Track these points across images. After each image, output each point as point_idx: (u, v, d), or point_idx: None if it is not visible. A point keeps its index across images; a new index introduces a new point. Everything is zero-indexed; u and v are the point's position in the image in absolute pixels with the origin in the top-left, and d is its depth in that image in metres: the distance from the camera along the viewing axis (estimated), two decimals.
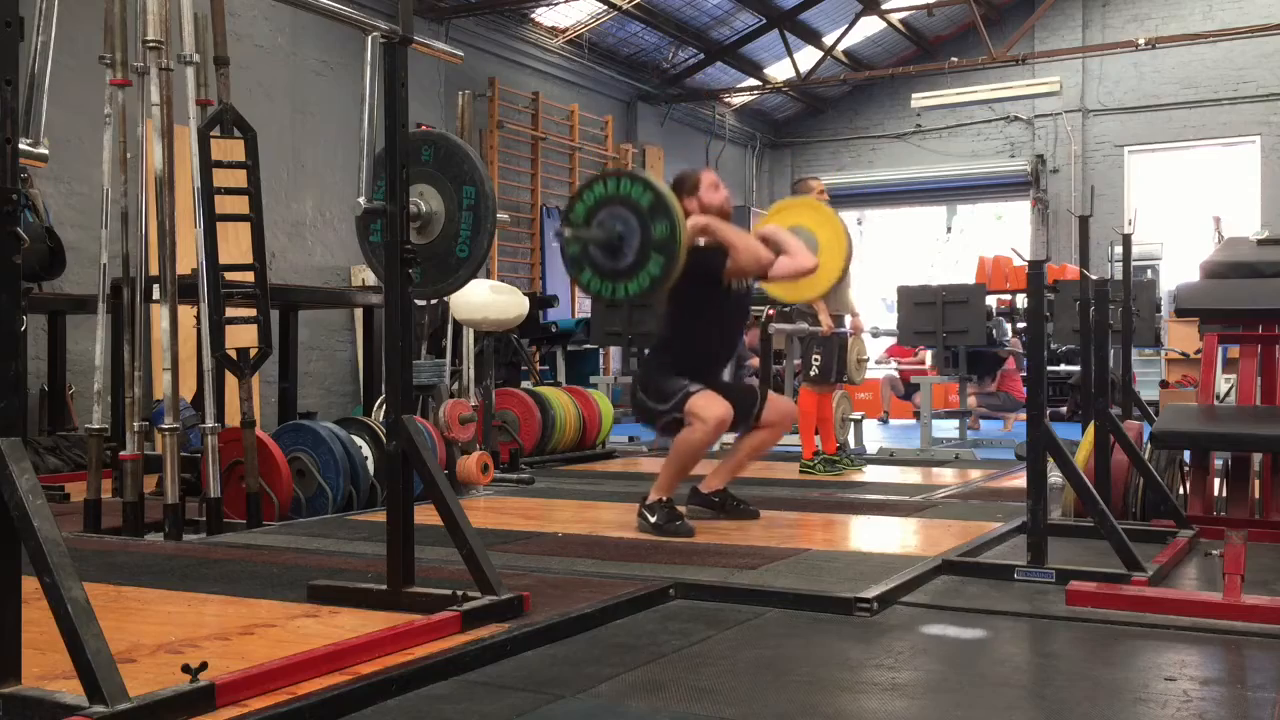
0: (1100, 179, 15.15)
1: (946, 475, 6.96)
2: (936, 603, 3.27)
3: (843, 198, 15.54)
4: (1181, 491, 4.82)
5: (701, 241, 4.48)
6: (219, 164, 4.40)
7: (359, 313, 9.60)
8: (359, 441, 5.18)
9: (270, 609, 3.07)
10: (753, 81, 16.02)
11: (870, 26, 15.40)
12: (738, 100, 16.63)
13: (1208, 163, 15.34)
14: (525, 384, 8.52)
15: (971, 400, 10.73)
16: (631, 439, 9.49)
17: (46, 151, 2.28)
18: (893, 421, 12.66)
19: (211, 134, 4.42)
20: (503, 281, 7.24)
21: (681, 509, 4.59)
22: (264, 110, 9.23)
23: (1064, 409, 11.98)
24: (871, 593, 3.17)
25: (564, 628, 2.88)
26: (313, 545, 4.12)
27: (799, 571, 3.61)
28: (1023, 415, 8.15)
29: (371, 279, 8.50)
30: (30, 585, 2.09)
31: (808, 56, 15.32)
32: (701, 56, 15.12)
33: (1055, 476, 4.21)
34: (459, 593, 2.92)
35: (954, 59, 14.36)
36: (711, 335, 4.67)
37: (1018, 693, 2.51)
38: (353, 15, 3.01)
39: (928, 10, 14.71)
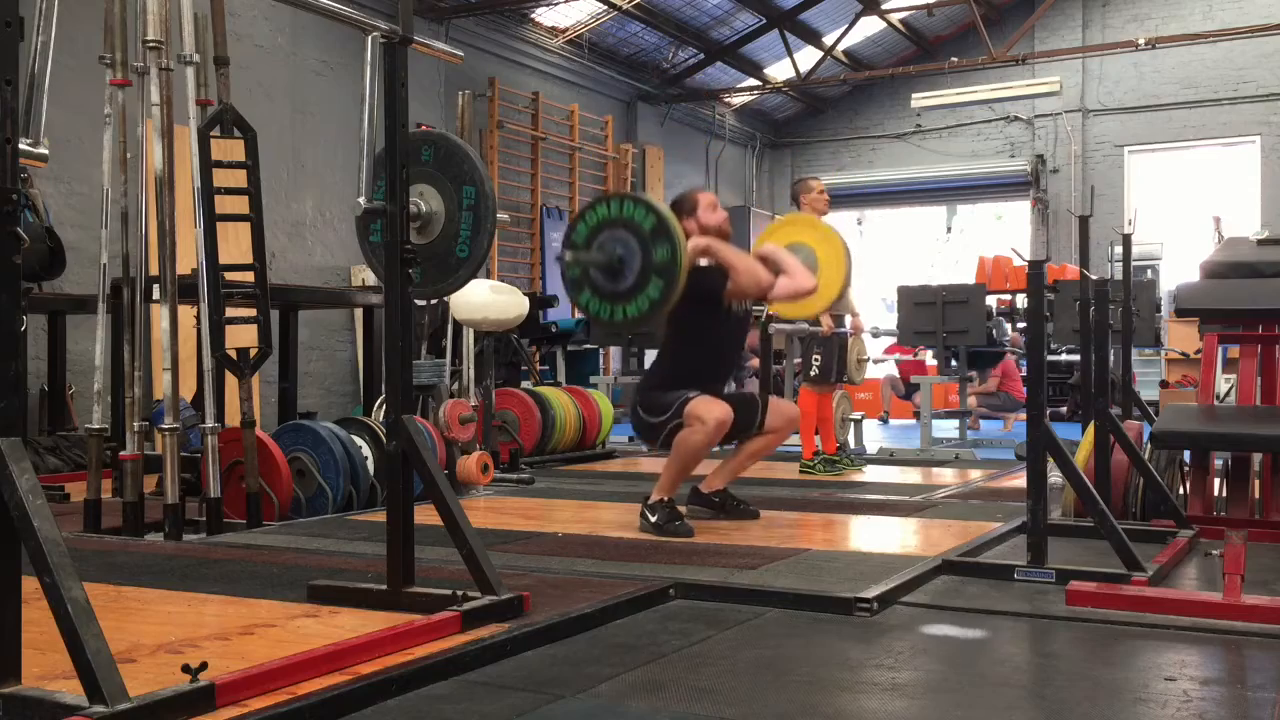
0: (1100, 179, 15.15)
1: (946, 475, 6.96)
2: (936, 603, 3.27)
3: (843, 198, 15.56)
4: (1181, 491, 4.82)
5: (703, 262, 4.47)
6: (219, 164, 4.40)
7: (359, 313, 9.60)
8: (359, 441, 5.18)
9: (270, 609, 3.07)
10: (753, 81, 16.02)
11: (870, 26, 15.40)
12: (738, 100, 16.63)
13: (1208, 163, 15.34)
14: (525, 384, 8.52)
15: (971, 400, 10.73)
16: (632, 439, 9.48)
17: (46, 151, 2.28)
18: (893, 421, 12.66)
19: (211, 134, 4.42)
20: (503, 281, 7.24)
21: (682, 509, 4.59)
22: (264, 110, 9.23)
23: (1064, 409, 11.99)
24: (871, 593, 3.17)
25: (564, 628, 2.88)
26: (313, 545, 4.13)
27: (799, 571, 3.61)
28: (1023, 415, 8.16)
29: (371, 279, 8.50)
30: (30, 585, 2.09)
31: (808, 56, 15.32)
32: (701, 56, 15.12)
33: (1055, 476, 4.21)
34: (459, 593, 2.92)
35: (954, 59, 14.36)
36: (711, 357, 4.65)
37: (1018, 693, 2.51)
38: (353, 15, 3.01)
39: (928, 10, 14.71)
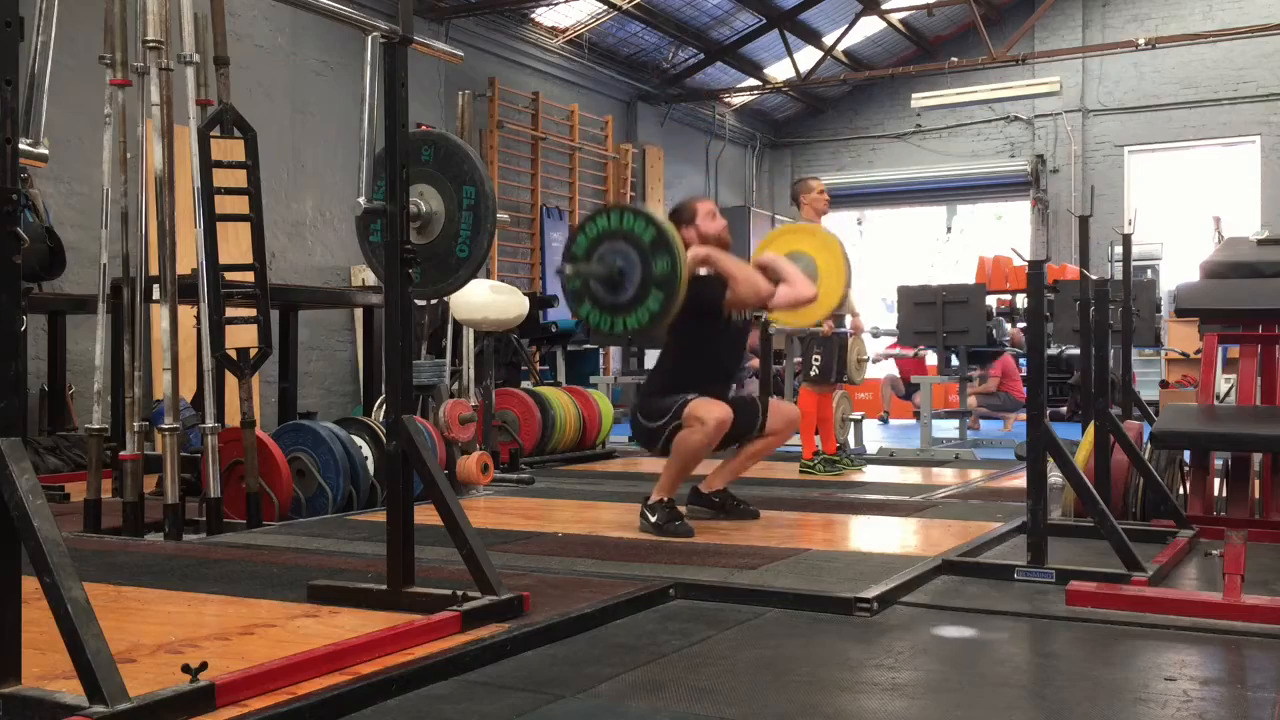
0: (1100, 179, 15.15)
1: (946, 475, 6.96)
2: (936, 603, 3.27)
3: (843, 198, 15.56)
4: (1181, 491, 4.82)
5: (703, 271, 4.47)
6: (219, 164, 4.40)
7: (359, 313, 9.60)
8: (359, 441, 5.18)
9: (270, 609, 3.07)
10: (753, 81, 16.02)
11: (870, 26, 15.40)
12: (738, 100, 16.63)
13: (1208, 163, 15.34)
14: (525, 384, 8.52)
15: (971, 400, 10.73)
16: (631, 439, 9.48)
17: (46, 151, 2.28)
18: (893, 421, 12.66)
19: (211, 134, 4.42)
20: (503, 281, 7.23)
21: (682, 509, 4.59)
22: (264, 110, 9.23)
23: (1064, 409, 11.98)
24: (871, 593, 3.17)
25: (564, 628, 2.88)
26: (313, 545, 4.13)
27: (799, 571, 3.61)
28: (1023, 415, 8.16)
29: (371, 279, 8.50)
30: (30, 585, 2.09)
31: (808, 56, 15.32)
32: (701, 56, 15.12)
33: (1055, 476, 4.21)
34: (459, 593, 2.92)
35: (954, 59, 14.36)
36: (710, 366, 4.64)
37: (1018, 693, 2.51)
38: (353, 15, 3.01)
39: (928, 10, 14.71)
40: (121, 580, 3.45)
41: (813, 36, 15.18)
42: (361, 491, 5.08)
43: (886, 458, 8.06)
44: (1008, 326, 11.56)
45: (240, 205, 4.50)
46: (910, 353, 11.97)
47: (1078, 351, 6.03)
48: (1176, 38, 13.91)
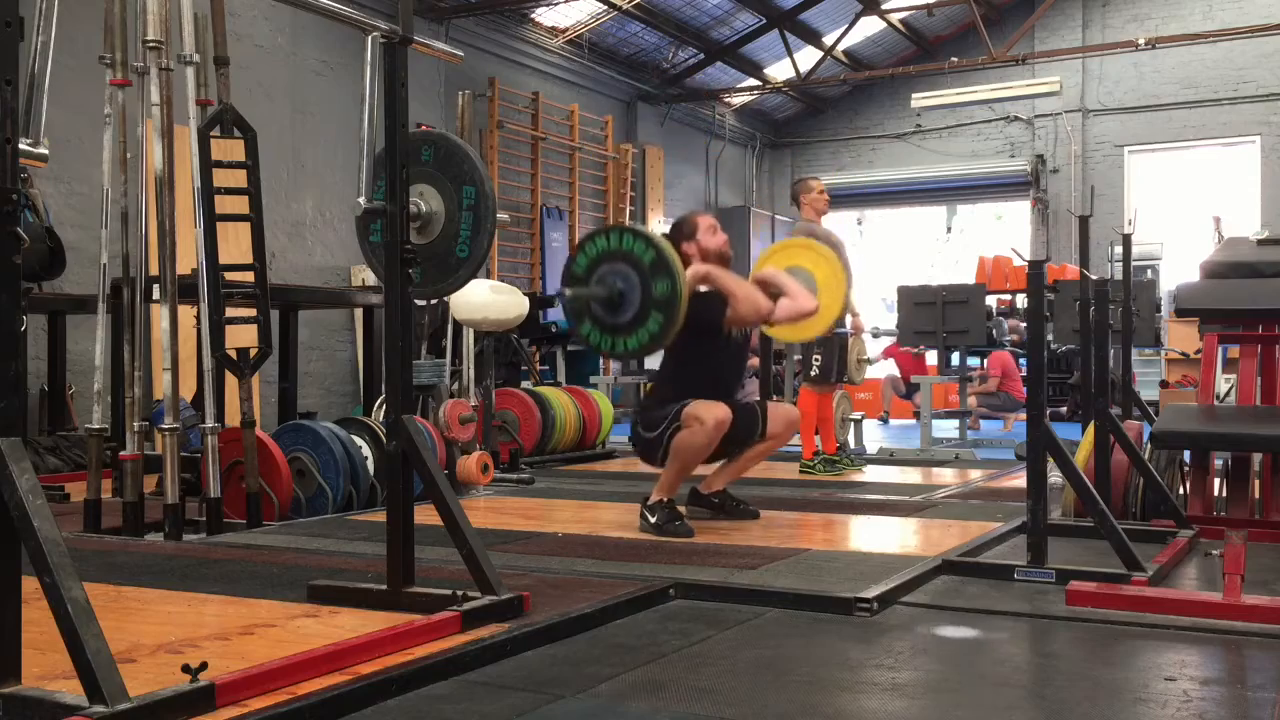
0: (1100, 179, 15.15)
1: (946, 475, 6.96)
2: (936, 603, 3.27)
3: (843, 198, 15.57)
4: (1181, 491, 4.82)
5: (703, 287, 4.47)
6: (219, 164, 4.40)
7: (359, 313, 9.60)
8: (359, 441, 5.18)
9: (270, 609, 3.07)
10: (753, 81, 16.02)
11: (870, 26, 15.40)
12: (738, 100, 16.63)
13: (1208, 163, 15.34)
14: (525, 384, 8.52)
15: (971, 400, 10.73)
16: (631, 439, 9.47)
17: (46, 151, 2.28)
18: (893, 421, 12.66)
19: (211, 134, 4.42)
20: (503, 281, 7.23)
21: (682, 509, 4.59)
22: (264, 110, 9.23)
23: (1064, 409, 11.99)
24: (871, 593, 3.17)
25: (564, 628, 2.88)
26: (313, 545, 4.13)
27: (799, 571, 3.61)
28: (1023, 415, 8.16)
29: (371, 279, 8.50)
30: (30, 585, 2.09)
31: (808, 56, 15.32)
32: (701, 56, 15.12)
33: (1055, 476, 4.21)
34: (459, 593, 2.92)
35: (954, 59, 14.36)
36: (711, 383, 4.61)
37: (1018, 693, 2.51)
38: (353, 15, 3.01)
39: (928, 10, 14.71)
40: (121, 580, 3.45)
41: (813, 36, 15.18)
42: (361, 491, 5.08)
43: (886, 458, 8.06)
44: (1007, 326, 11.55)
45: (240, 205, 4.50)
46: (908, 350, 11.98)
47: (1073, 346, 6.03)
48: (1176, 38, 13.91)
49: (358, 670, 2.46)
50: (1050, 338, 7.60)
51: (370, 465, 5.16)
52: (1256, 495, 4.53)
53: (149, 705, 2.06)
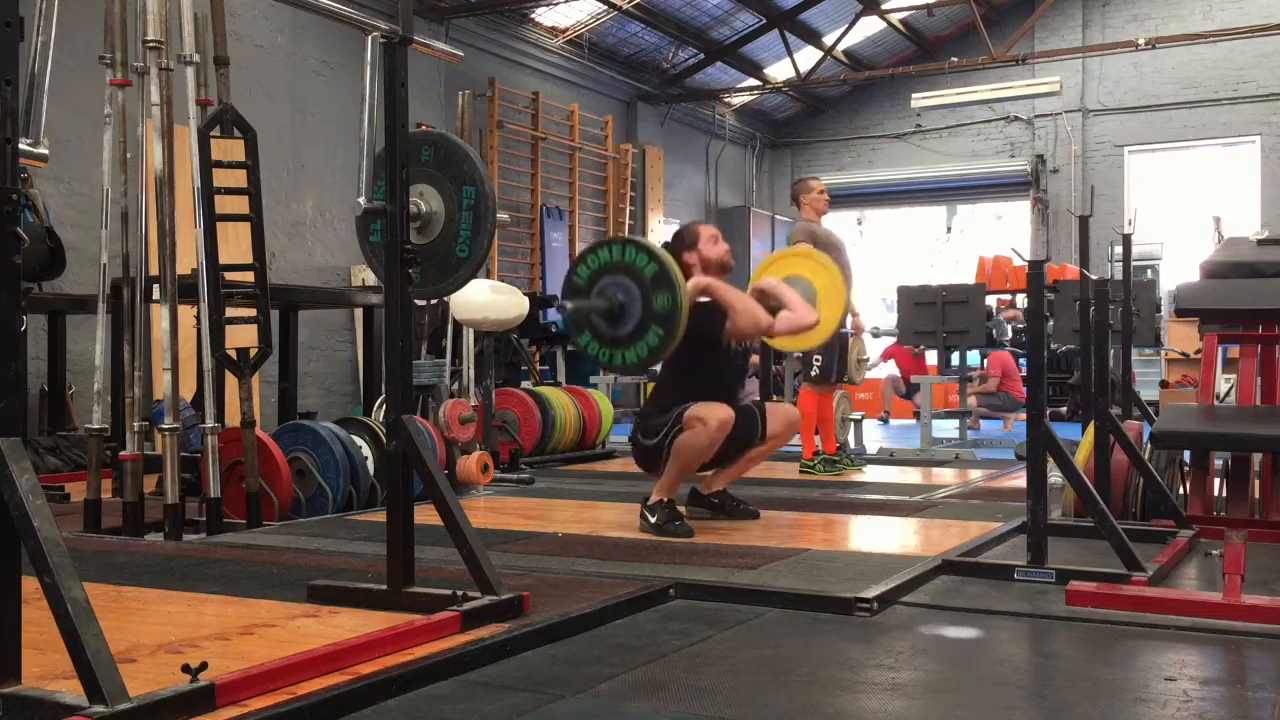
0: (1100, 179, 15.14)
1: (946, 475, 6.96)
2: (936, 603, 3.27)
3: (843, 198, 15.56)
4: (1181, 491, 4.82)
5: (704, 299, 4.47)
6: (219, 164, 4.40)
7: (359, 313, 9.60)
8: (359, 441, 5.18)
9: (270, 609, 3.07)
10: (753, 81, 16.02)
11: (870, 26, 15.40)
12: (738, 100, 16.63)
13: (1208, 163, 15.33)
14: (525, 384, 8.52)
15: (971, 400, 10.73)
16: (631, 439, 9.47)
17: (46, 151, 2.28)
18: (893, 421, 12.66)
19: (211, 134, 4.42)
20: (503, 281, 7.23)
21: (682, 509, 4.59)
22: (264, 110, 9.23)
23: (1064, 409, 11.98)
24: (871, 593, 3.17)
25: (564, 628, 2.88)
26: (313, 545, 4.13)
27: (799, 571, 3.61)
28: (1023, 415, 8.16)
29: (371, 279, 8.50)
30: (30, 585, 2.09)
31: (808, 56, 15.31)
32: (701, 56, 15.12)
33: (1055, 476, 4.21)
34: (459, 593, 2.92)
35: (954, 59, 14.36)
36: (711, 394, 4.58)
37: (1018, 693, 2.51)
38: (353, 15, 3.01)
39: (928, 10, 14.71)
40: (121, 580, 3.45)
41: (813, 36, 15.18)
42: (361, 491, 5.08)
43: (886, 458, 8.06)
44: (1007, 326, 11.55)
45: (240, 205, 4.50)
46: (907, 350, 11.98)
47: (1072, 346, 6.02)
48: (1176, 38, 13.90)
49: (358, 670, 2.46)
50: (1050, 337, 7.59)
51: (370, 465, 5.16)
52: (1256, 495, 4.53)
53: (149, 705, 2.06)
